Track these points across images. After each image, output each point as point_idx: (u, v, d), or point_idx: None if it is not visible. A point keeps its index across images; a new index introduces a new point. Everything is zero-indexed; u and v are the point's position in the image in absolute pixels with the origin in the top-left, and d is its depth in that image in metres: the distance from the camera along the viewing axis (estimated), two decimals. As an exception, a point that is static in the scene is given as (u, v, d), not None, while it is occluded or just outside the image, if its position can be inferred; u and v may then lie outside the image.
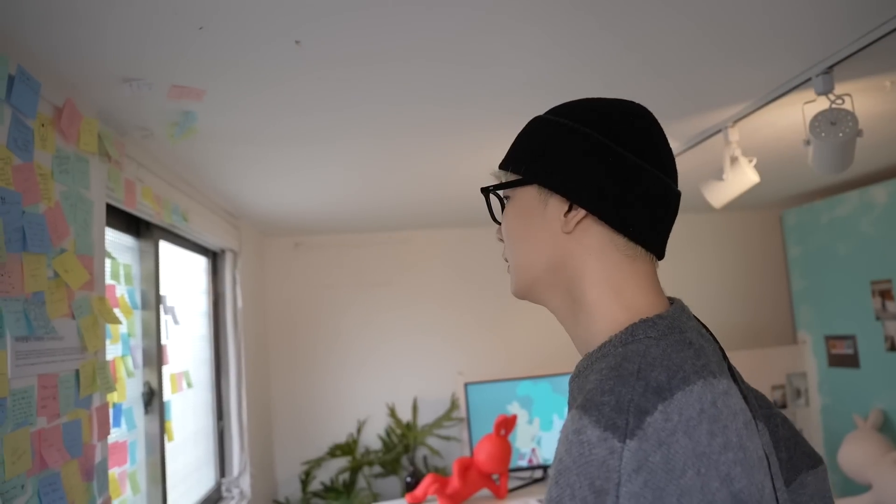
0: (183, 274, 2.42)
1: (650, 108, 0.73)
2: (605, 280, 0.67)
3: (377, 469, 3.41)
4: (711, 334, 0.70)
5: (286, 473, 3.42)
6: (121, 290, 1.83)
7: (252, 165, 2.13)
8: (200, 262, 2.70)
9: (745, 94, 1.79)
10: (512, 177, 0.73)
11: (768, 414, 0.76)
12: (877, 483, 2.70)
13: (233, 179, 2.29)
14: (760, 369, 3.50)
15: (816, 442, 3.42)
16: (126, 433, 1.81)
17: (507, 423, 2.75)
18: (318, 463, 3.35)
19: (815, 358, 3.50)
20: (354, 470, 3.33)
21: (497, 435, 2.72)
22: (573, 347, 0.72)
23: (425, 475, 2.88)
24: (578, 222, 0.67)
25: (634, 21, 1.31)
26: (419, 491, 2.66)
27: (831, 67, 1.52)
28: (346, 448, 3.36)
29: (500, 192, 0.76)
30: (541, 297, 0.73)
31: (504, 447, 2.72)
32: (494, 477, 2.78)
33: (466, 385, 3.09)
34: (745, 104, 1.85)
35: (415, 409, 3.52)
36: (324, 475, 3.42)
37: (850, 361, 3.27)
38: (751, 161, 1.92)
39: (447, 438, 3.43)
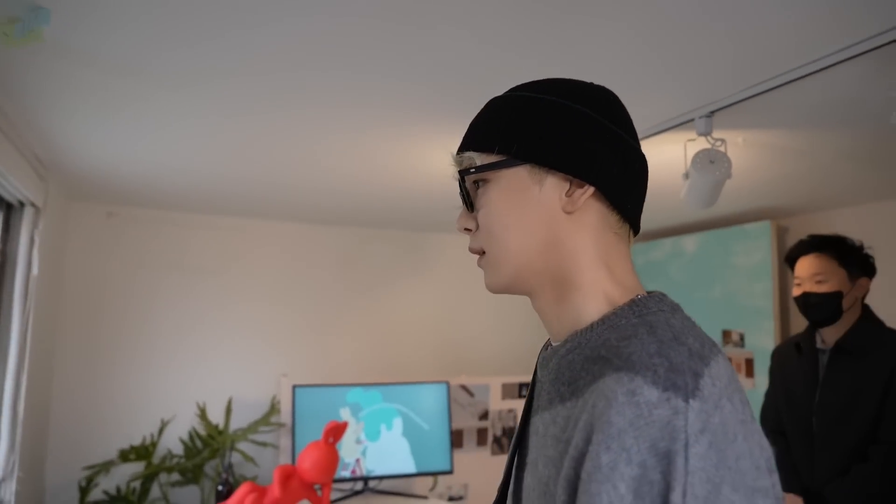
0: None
1: None
2: (601, 258, 0.66)
3: (176, 476, 3.02)
4: None
5: (61, 479, 2.88)
6: None
7: (87, 97, 1.75)
8: (-12, 213, 2.19)
9: (628, 126, 1.90)
10: (492, 158, 0.68)
11: None
12: None
13: (56, 113, 1.88)
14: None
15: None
16: None
17: (337, 431, 2.60)
18: (105, 468, 2.86)
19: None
20: (150, 477, 2.90)
21: (325, 442, 2.56)
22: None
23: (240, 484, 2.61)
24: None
25: (544, 39, 1.32)
26: (233, 500, 2.39)
27: (713, 112, 1.66)
28: (142, 451, 2.93)
29: (475, 176, 0.69)
30: (526, 284, 0.69)
31: (332, 456, 2.56)
32: (316, 487, 2.60)
33: (294, 387, 2.88)
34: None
35: (228, 410, 3.19)
36: (110, 483, 2.94)
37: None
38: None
39: (263, 444, 3.16)
